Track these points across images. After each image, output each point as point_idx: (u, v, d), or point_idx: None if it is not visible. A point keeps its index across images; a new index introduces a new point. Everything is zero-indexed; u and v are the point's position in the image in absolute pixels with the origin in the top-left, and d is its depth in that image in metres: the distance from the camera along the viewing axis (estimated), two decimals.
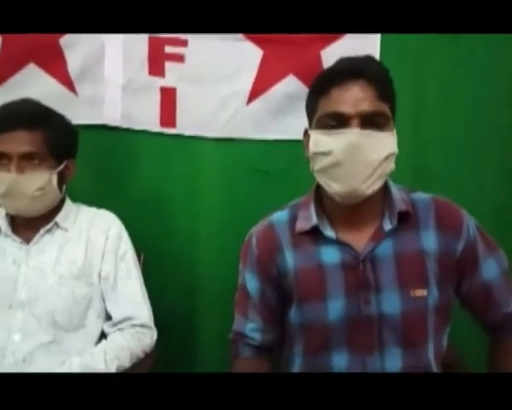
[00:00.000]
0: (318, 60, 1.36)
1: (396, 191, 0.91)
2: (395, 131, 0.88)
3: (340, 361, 0.88)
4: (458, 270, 0.91)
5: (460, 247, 0.90)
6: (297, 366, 0.94)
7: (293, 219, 0.94)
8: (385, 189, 0.91)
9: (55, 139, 1.10)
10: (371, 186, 0.85)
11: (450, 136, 1.38)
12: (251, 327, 0.97)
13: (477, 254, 0.91)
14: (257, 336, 0.97)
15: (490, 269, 0.92)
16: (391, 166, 0.88)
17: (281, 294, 0.94)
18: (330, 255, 0.89)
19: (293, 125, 1.33)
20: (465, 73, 1.36)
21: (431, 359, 0.89)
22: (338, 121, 0.85)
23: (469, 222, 0.92)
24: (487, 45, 1.34)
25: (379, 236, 0.88)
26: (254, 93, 1.38)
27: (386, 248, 0.88)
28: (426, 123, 1.38)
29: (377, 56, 1.33)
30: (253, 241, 0.97)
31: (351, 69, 0.86)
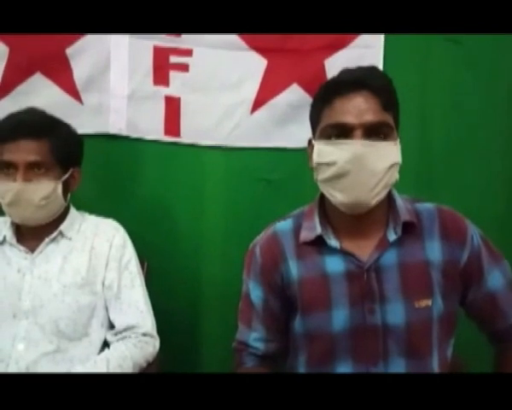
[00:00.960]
0: (322, 69, 1.36)
1: (400, 201, 0.91)
2: (398, 140, 0.88)
3: (344, 371, 0.88)
4: (463, 280, 0.90)
5: (464, 257, 0.89)
6: None
7: (297, 229, 0.94)
8: (389, 198, 0.91)
9: (61, 148, 1.10)
10: (376, 196, 0.85)
11: (454, 141, 1.38)
12: (254, 337, 0.97)
13: (482, 265, 0.91)
14: (260, 346, 0.97)
15: (495, 279, 0.91)
16: (395, 175, 0.87)
17: (284, 303, 0.94)
18: (334, 265, 0.89)
19: (297, 133, 1.34)
20: (469, 78, 1.36)
21: (435, 369, 0.89)
22: (341, 132, 0.85)
23: (474, 232, 0.92)
24: (491, 48, 1.34)
25: (383, 246, 0.88)
26: (258, 102, 1.39)
27: (390, 258, 0.88)
28: (430, 129, 1.38)
29: (381, 65, 1.33)
30: (257, 250, 0.97)
31: (354, 80, 0.86)
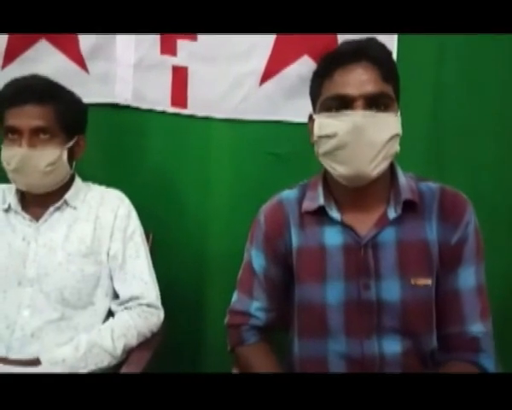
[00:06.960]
0: (334, 40, 1.32)
1: (403, 179, 0.90)
2: (399, 112, 0.88)
3: (338, 344, 0.88)
4: (445, 263, 0.87)
5: (455, 239, 0.87)
6: (296, 347, 0.93)
7: (301, 198, 0.95)
8: (392, 175, 0.91)
9: (66, 114, 1.09)
10: (376, 168, 0.85)
11: (467, 121, 1.34)
12: (256, 306, 0.97)
13: (463, 254, 0.87)
14: (261, 316, 0.97)
15: (467, 277, 0.87)
16: (395, 147, 0.87)
17: (286, 272, 0.94)
18: (333, 237, 0.89)
19: (307, 107, 1.28)
20: (484, 57, 1.32)
21: (434, 348, 0.88)
22: (342, 103, 0.84)
23: (471, 219, 0.88)
24: None
25: (382, 223, 0.88)
26: (268, 73, 1.35)
27: (388, 235, 0.87)
28: (443, 108, 1.34)
29: (395, 39, 1.29)
30: (261, 218, 0.97)
31: (353, 50, 0.86)
